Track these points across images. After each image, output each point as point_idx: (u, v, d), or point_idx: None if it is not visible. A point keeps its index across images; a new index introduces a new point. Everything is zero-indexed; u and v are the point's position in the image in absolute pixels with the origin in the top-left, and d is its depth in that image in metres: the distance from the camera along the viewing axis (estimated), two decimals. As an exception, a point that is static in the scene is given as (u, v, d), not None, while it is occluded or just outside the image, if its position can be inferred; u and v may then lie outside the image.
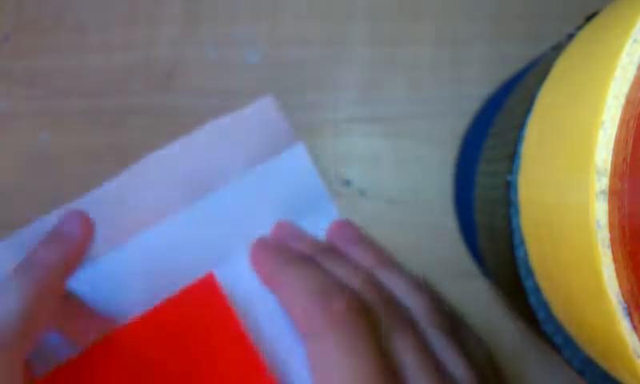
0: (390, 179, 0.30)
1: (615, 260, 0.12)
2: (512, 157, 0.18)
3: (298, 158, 0.30)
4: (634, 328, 0.12)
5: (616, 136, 0.12)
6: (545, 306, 0.18)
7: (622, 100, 0.12)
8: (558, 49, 0.18)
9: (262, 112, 0.30)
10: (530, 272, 0.18)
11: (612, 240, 0.12)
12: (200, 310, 0.28)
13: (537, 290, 0.18)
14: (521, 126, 0.18)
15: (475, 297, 0.30)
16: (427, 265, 0.30)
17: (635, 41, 0.12)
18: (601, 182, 0.12)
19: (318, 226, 0.30)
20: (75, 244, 0.27)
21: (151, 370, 0.27)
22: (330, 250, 0.28)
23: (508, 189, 0.18)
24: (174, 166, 0.29)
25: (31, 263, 0.25)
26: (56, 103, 0.31)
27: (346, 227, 0.30)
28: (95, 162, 0.31)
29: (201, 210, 0.29)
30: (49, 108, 0.31)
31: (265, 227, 0.30)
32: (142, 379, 0.27)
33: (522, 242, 0.18)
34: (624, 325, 0.12)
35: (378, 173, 0.31)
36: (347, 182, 0.31)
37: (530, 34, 0.30)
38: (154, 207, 0.29)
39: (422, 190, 0.30)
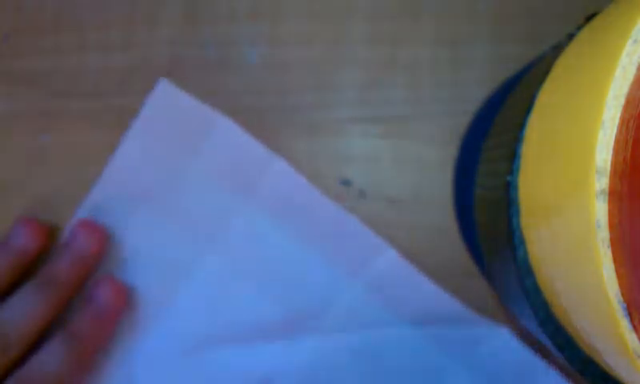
0: (389, 179, 0.30)
1: (615, 260, 0.12)
2: (512, 157, 0.18)
3: (227, 132, 0.29)
4: (634, 328, 0.12)
5: (616, 136, 0.12)
6: (545, 306, 0.18)
7: (622, 100, 0.12)
8: (557, 49, 0.18)
9: (165, 98, 0.29)
10: (530, 272, 0.18)
11: (612, 240, 0.12)
12: None
13: (537, 290, 0.18)
14: (521, 126, 0.18)
15: (475, 297, 0.30)
16: (427, 265, 0.30)
17: (635, 41, 0.12)
18: (601, 182, 0.12)
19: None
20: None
21: None
22: None
23: (508, 189, 0.18)
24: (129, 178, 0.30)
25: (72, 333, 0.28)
26: (56, 103, 0.31)
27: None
28: (95, 162, 0.31)
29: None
30: (49, 108, 0.31)
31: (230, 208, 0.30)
32: None
33: (522, 242, 0.18)
34: (624, 325, 0.12)
35: (378, 173, 0.30)
36: (347, 182, 0.31)
37: (530, 33, 0.30)
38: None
39: (422, 190, 0.30)
